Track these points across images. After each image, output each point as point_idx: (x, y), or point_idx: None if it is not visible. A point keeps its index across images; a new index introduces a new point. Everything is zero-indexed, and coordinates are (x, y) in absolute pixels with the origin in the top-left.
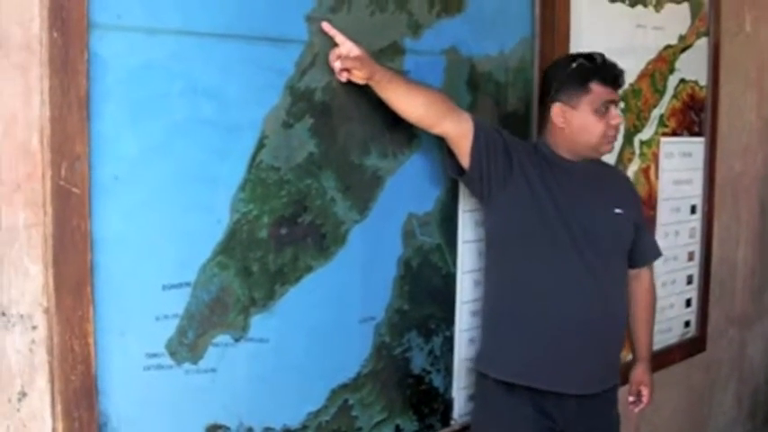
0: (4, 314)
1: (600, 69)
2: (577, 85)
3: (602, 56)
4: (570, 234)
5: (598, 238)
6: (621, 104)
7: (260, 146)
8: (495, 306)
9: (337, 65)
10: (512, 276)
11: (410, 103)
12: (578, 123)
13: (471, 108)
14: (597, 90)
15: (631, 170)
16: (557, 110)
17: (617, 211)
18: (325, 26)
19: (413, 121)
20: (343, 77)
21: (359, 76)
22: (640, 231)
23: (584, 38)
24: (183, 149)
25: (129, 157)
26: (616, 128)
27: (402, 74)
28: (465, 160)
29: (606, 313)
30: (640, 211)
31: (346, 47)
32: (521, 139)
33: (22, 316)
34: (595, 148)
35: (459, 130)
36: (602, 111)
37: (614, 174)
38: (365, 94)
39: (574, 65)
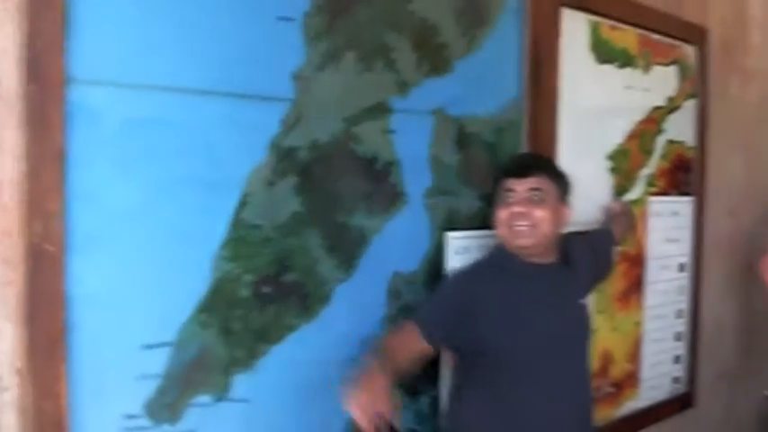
0: None
1: (507, 165)
2: (498, 185)
3: (518, 154)
4: (542, 342)
5: (568, 339)
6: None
7: (243, 204)
8: (474, 424)
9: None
10: (490, 392)
11: (409, 364)
12: (496, 220)
13: (459, 166)
14: (503, 183)
15: None
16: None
17: (581, 302)
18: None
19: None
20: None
21: None
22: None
23: (572, 99)
24: (163, 207)
25: (107, 214)
26: (517, 216)
27: (386, 360)
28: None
29: (581, 409)
30: (595, 250)
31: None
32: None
33: None
34: (508, 240)
35: (427, 350)
36: (505, 200)
37: (572, 249)
38: (350, 153)
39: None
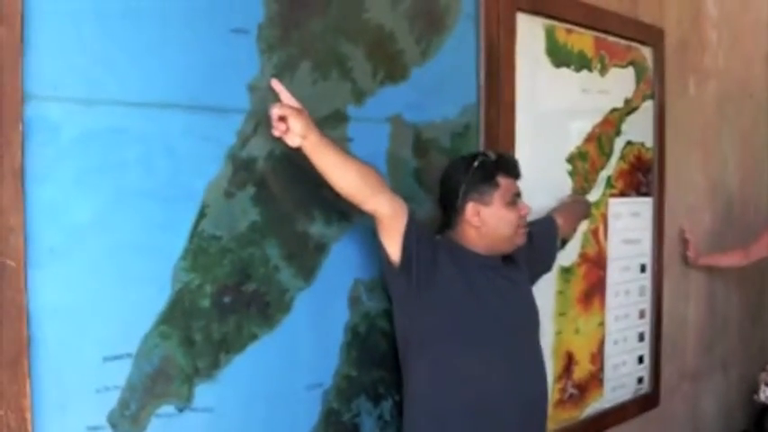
0: None
1: (502, 163)
2: (485, 181)
3: (497, 151)
4: (494, 328)
5: (520, 326)
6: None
7: (201, 215)
8: (425, 402)
9: (275, 110)
10: (442, 372)
11: (345, 173)
12: (494, 219)
13: (417, 174)
14: (504, 183)
15: (580, 231)
16: (471, 209)
17: (526, 288)
18: (274, 83)
19: (346, 193)
20: (281, 129)
21: (295, 131)
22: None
23: (529, 103)
24: (123, 220)
25: (67, 228)
26: (525, 218)
27: (339, 144)
28: (395, 247)
29: (535, 394)
30: (534, 241)
31: (289, 100)
32: None
33: None
34: (510, 239)
35: (393, 209)
36: (512, 203)
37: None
38: (307, 161)
39: (476, 163)
